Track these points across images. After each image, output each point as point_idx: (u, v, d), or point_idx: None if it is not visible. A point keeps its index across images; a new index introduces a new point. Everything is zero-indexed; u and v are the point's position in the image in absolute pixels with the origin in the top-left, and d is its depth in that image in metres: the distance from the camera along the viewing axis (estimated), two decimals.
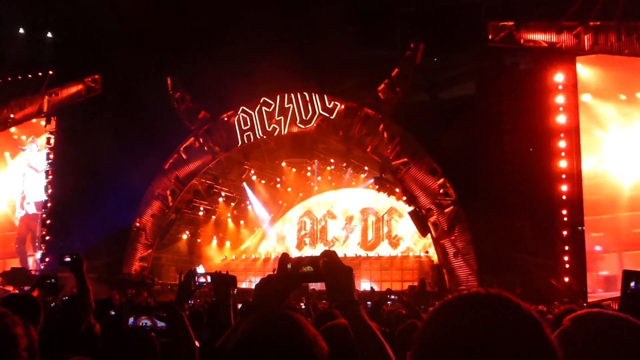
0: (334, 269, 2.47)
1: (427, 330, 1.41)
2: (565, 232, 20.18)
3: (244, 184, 30.56)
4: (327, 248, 28.63)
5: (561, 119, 20.48)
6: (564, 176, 20.24)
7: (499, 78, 21.92)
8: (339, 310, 2.50)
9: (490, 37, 21.24)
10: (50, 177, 29.09)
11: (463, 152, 20.98)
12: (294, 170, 30.26)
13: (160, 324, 3.94)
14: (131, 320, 3.96)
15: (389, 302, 13.23)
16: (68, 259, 4.94)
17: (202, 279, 4.18)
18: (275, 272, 2.65)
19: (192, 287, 4.21)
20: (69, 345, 4.11)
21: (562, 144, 20.33)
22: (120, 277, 26.41)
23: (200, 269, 27.97)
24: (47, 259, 28.07)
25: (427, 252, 26.96)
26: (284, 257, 2.61)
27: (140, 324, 3.96)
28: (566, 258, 19.99)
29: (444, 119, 22.28)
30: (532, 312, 1.37)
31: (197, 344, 3.81)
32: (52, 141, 29.25)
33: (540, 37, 21.08)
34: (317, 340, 1.87)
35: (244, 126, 25.94)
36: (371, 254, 29.47)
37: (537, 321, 1.35)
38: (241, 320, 2.60)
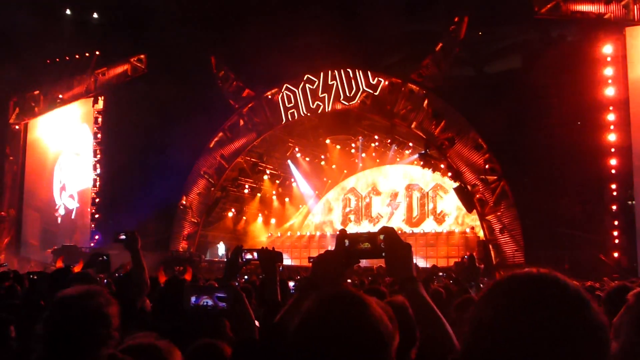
0: (393, 246, 2.47)
1: (480, 311, 1.44)
2: (614, 207, 19.83)
3: (289, 161, 30.81)
4: (372, 225, 28.77)
5: (610, 91, 20.03)
6: (613, 150, 19.83)
7: (546, 51, 21.51)
8: (399, 287, 2.52)
9: (536, 9, 20.75)
10: (99, 156, 29.59)
11: (509, 126, 20.73)
12: (338, 147, 30.13)
13: (221, 303, 3.89)
14: (193, 299, 3.88)
15: (435, 279, 13.14)
16: (123, 237, 4.87)
17: (248, 255, 4.16)
18: (332, 249, 2.62)
19: (239, 263, 4.25)
20: (125, 322, 4.20)
21: (611, 117, 19.93)
22: (168, 254, 26.50)
23: (221, 247, 28.55)
24: (96, 237, 28.56)
25: (472, 228, 26.80)
26: (342, 234, 2.60)
27: (202, 303, 3.88)
28: (615, 233, 19.66)
29: (489, 93, 21.98)
30: (580, 290, 1.39)
31: (256, 323, 3.83)
32: (99, 120, 29.79)
33: (588, 8, 20.60)
34: (383, 318, 1.82)
35: (288, 104, 26.07)
36: (416, 230, 29.40)
37: (584, 300, 1.37)
38: (300, 297, 2.60)
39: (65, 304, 2.63)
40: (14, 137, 32.44)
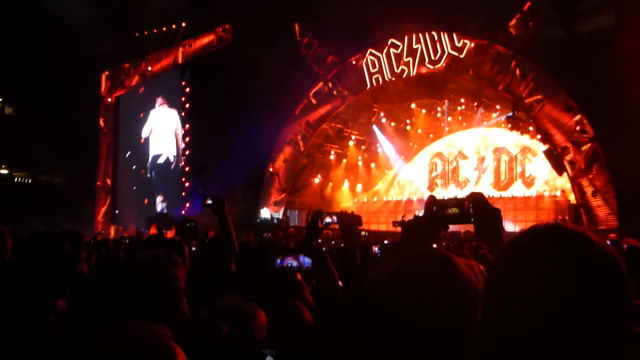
0: (481, 211, 2.46)
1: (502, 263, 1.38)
2: None
3: (374, 126, 30.84)
4: (459, 189, 28.48)
5: None
6: None
7: None
8: (489, 252, 2.51)
9: None
10: (187, 126, 30.32)
11: (601, 87, 20.11)
12: (423, 111, 29.98)
13: (305, 264, 3.95)
14: (278, 261, 3.98)
15: None
16: (210, 202, 4.93)
17: (328, 219, 4.15)
18: (420, 214, 2.63)
19: (319, 226, 4.25)
20: (215, 286, 4.12)
21: None
22: (256, 221, 27.40)
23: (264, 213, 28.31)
24: (186, 205, 29.39)
25: (563, 191, 26.30)
26: (430, 200, 2.60)
27: (287, 264, 3.96)
28: None
29: (580, 53, 21.37)
30: (604, 248, 1.28)
31: (340, 283, 3.85)
32: (187, 91, 30.44)
33: None
34: (471, 280, 1.82)
35: (372, 69, 26.03)
36: (504, 194, 28.99)
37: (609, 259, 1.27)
38: (388, 260, 2.44)
39: (134, 267, 2.72)
40: (107, 110, 33.66)
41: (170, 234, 7.29)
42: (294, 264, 3.96)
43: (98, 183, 33.17)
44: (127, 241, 7.12)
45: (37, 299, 2.38)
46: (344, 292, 3.68)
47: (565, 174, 22.63)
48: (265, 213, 28.79)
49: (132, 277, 2.68)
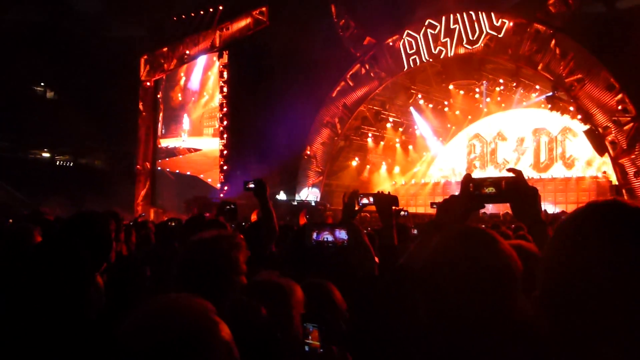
0: (518, 190, 2.46)
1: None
2: None
3: (411, 108, 30.68)
4: (497, 171, 27.99)
5: None
6: None
7: None
8: (528, 231, 2.49)
9: None
10: (225, 109, 30.39)
11: None
12: (461, 92, 29.66)
13: (341, 237, 3.81)
14: (314, 235, 3.89)
15: None
16: (252, 185, 5.00)
17: (364, 200, 4.19)
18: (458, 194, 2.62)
19: (355, 207, 4.28)
20: (256, 268, 3.86)
21: None
22: (294, 203, 27.21)
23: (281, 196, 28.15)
24: (225, 188, 29.60)
25: (604, 172, 25.91)
26: (467, 178, 2.59)
27: (323, 239, 3.85)
28: None
29: (621, 30, 20.88)
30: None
31: (376, 259, 3.85)
32: (225, 75, 30.46)
33: None
34: (513, 255, 1.81)
35: (410, 50, 25.80)
36: (544, 175, 28.68)
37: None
38: (425, 238, 2.60)
39: (196, 246, 2.76)
40: (146, 94, 33.87)
41: (209, 215, 7.40)
42: (330, 238, 3.86)
43: (138, 166, 33.55)
44: (173, 224, 6.98)
45: (78, 271, 2.39)
46: (380, 269, 3.69)
47: (606, 154, 22.27)
48: (303, 195, 28.83)
49: (194, 255, 2.74)
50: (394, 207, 3.70)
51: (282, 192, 28.29)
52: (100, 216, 3.44)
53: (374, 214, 19.90)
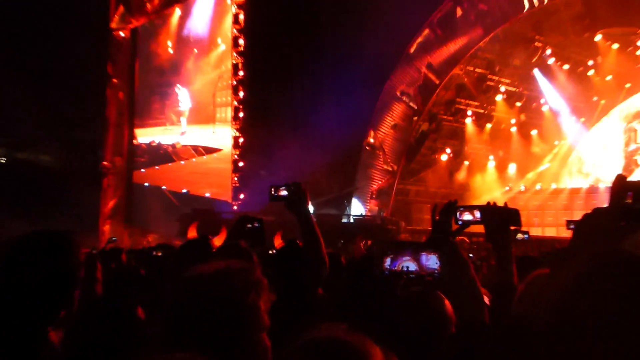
0: None
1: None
2: None
3: (536, 71, 26.76)
4: None
5: None
6: None
7: None
8: None
9: None
10: (241, 74, 25.30)
11: None
12: (615, 46, 25.41)
13: (430, 266, 3.27)
14: (388, 261, 3.33)
15: None
16: (284, 192, 3.86)
17: (467, 215, 3.30)
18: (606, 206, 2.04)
19: (452, 227, 3.37)
20: (297, 317, 3.22)
21: None
22: (345, 220, 24.06)
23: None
24: (241, 196, 24.79)
25: None
26: (619, 181, 2.05)
27: (401, 267, 3.30)
28: None
29: None
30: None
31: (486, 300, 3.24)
32: (240, 19, 25.42)
33: None
34: None
35: None
36: None
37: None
38: (556, 269, 2.01)
39: (193, 287, 2.21)
40: (119, 49, 28.65)
41: (219, 238, 5.14)
42: (413, 267, 3.32)
43: (105, 163, 28.86)
44: (159, 253, 5.83)
45: (22, 329, 2.23)
46: (490, 315, 3.07)
47: None
48: (360, 208, 25.47)
49: (190, 302, 2.19)
50: (512, 227, 3.09)
51: (329, 204, 25.40)
52: (61, 238, 2.76)
53: (476, 237, 18.30)
